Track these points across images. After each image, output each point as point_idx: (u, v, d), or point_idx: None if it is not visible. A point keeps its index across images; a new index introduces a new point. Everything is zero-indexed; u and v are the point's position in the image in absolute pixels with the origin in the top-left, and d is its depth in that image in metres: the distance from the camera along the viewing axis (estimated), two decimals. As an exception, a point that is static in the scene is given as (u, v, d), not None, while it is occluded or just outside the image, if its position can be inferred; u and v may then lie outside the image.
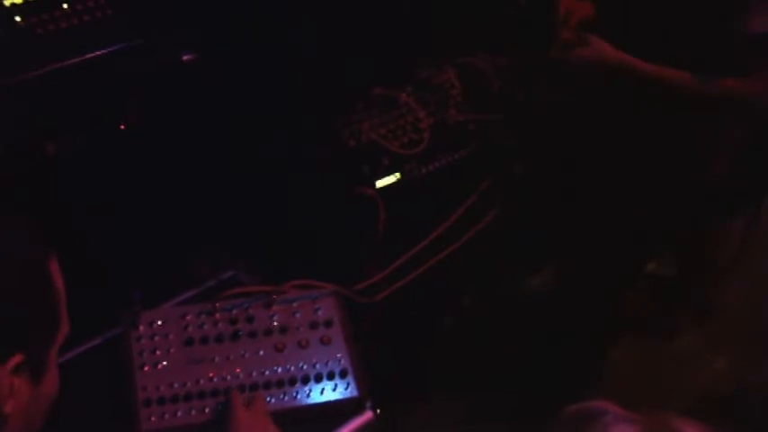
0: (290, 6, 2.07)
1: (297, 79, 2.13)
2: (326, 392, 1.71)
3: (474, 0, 2.31)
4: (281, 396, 1.69)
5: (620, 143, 2.32)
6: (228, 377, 1.68)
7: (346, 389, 1.72)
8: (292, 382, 1.70)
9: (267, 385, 1.69)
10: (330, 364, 1.74)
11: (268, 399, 1.67)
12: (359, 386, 1.73)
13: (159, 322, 1.74)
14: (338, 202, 2.14)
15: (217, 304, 1.78)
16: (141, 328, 1.72)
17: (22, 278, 1.10)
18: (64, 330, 1.18)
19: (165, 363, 1.68)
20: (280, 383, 1.70)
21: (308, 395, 1.70)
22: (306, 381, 1.71)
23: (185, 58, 1.89)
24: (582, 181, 2.38)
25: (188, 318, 1.76)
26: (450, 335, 2.14)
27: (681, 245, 2.67)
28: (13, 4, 1.79)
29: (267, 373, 1.71)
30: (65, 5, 1.82)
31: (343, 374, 1.73)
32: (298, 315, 1.81)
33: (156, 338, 1.72)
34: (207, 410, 1.63)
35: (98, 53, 1.80)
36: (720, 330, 2.40)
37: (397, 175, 2.20)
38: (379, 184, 2.17)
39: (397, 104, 2.26)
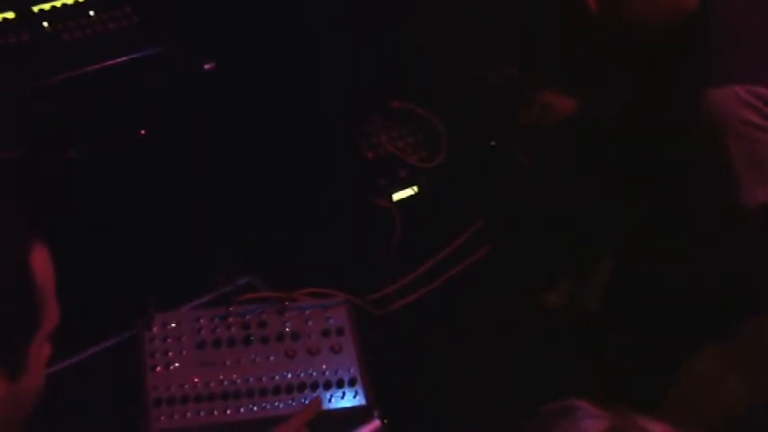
0: (312, 17, 2.10)
1: (317, 89, 2.16)
2: (335, 400, 1.73)
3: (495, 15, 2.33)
4: (290, 402, 1.70)
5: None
6: (239, 381, 1.71)
7: (355, 397, 1.74)
8: (301, 388, 1.72)
9: (276, 390, 1.71)
10: (340, 372, 1.76)
11: (277, 404, 1.69)
12: (367, 395, 1.74)
13: (173, 324, 1.76)
14: (354, 213, 2.16)
15: (230, 309, 1.80)
16: (155, 329, 1.75)
17: None
18: (50, 324, 1.15)
19: (176, 364, 1.71)
20: (289, 389, 1.71)
21: (317, 402, 1.72)
22: (315, 388, 1.73)
23: (207, 66, 1.92)
24: (599, 198, 2.38)
25: (201, 321, 1.78)
26: (462, 348, 2.14)
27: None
28: (42, 11, 1.84)
29: (277, 378, 1.72)
30: (92, 13, 1.87)
31: (352, 383, 1.75)
32: (310, 322, 1.82)
33: (169, 340, 1.74)
34: (216, 413, 1.66)
35: (122, 60, 1.85)
36: (736, 349, 2.38)
37: (415, 188, 2.22)
38: (396, 196, 2.19)
39: (416, 118, 2.29)
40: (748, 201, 1.84)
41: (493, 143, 2.36)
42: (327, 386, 1.73)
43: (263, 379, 1.72)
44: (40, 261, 1.13)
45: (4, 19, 1.81)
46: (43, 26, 1.83)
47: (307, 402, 1.70)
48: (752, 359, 2.39)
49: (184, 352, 1.73)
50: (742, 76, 1.80)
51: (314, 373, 1.75)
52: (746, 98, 1.79)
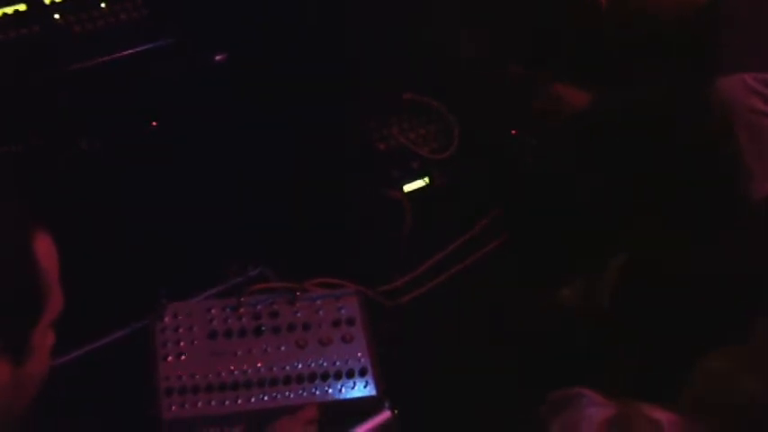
0: (326, 11, 2.11)
1: (329, 81, 2.16)
2: (345, 390, 1.73)
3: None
4: (301, 392, 1.71)
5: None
6: (250, 371, 1.71)
7: (365, 387, 1.74)
8: (312, 378, 1.73)
9: (287, 380, 1.71)
10: (350, 362, 1.76)
11: (287, 394, 1.70)
12: (378, 385, 1.74)
13: (185, 315, 1.77)
14: (366, 204, 2.16)
15: (242, 299, 1.81)
16: (167, 319, 1.76)
17: None
18: (53, 312, 1.15)
19: (188, 354, 1.72)
20: (300, 379, 1.72)
21: (327, 392, 1.72)
22: (325, 378, 1.73)
23: (218, 58, 1.93)
24: (611, 190, 2.37)
25: (213, 311, 1.79)
26: (472, 340, 2.14)
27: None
28: (54, 3, 1.85)
29: (288, 368, 1.73)
30: (103, 5, 1.88)
31: (362, 373, 1.75)
32: (321, 313, 1.83)
33: (181, 330, 1.75)
34: (227, 402, 1.66)
35: (133, 51, 1.85)
36: (748, 348, 2.37)
37: (426, 179, 2.22)
38: (408, 188, 2.19)
39: (428, 110, 2.29)
40: (758, 193, 1.83)
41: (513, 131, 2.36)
42: (338, 376, 1.73)
43: (274, 369, 1.72)
44: (44, 249, 1.13)
45: (16, 11, 1.82)
46: (54, 18, 1.85)
47: (317, 393, 1.71)
48: (761, 358, 2.38)
49: (196, 342, 1.74)
50: (751, 67, 1.79)
51: (324, 363, 1.75)
52: (754, 86, 1.77)
